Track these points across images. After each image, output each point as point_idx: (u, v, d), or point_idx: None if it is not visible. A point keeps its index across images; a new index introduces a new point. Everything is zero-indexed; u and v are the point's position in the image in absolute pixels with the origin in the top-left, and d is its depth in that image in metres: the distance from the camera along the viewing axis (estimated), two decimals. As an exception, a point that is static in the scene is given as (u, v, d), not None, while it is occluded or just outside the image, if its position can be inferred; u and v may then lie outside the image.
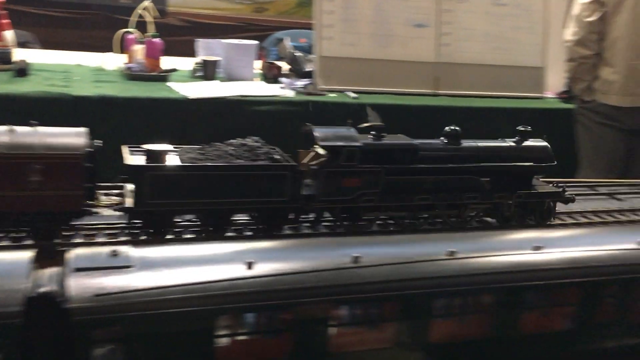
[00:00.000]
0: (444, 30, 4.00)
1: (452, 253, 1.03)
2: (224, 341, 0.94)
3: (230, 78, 3.91)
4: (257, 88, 3.75)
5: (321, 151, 1.53)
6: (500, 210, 1.62)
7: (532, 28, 4.24)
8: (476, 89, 4.08)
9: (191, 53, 4.34)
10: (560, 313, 1.03)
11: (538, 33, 4.28)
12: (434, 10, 3.98)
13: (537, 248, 1.05)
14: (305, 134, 1.59)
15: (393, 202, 1.52)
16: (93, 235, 1.50)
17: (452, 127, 1.72)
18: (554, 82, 4.38)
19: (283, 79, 3.98)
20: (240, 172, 1.40)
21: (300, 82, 3.89)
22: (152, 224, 1.42)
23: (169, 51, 3.98)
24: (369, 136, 1.55)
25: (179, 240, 1.46)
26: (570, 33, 3.96)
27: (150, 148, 1.35)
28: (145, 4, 4.06)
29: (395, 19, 3.93)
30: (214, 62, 3.97)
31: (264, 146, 1.52)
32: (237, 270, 0.97)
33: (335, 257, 1.02)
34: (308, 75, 3.97)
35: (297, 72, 4.11)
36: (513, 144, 1.72)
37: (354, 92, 3.77)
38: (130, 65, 3.78)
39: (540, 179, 1.80)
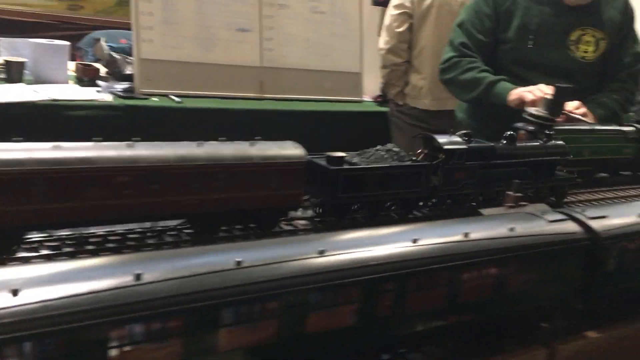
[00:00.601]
0: (266, 35, 4.04)
1: (239, 263, 1.05)
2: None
3: (39, 81, 3.57)
4: (71, 91, 3.48)
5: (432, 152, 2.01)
6: (538, 193, 2.19)
7: (349, 36, 4.44)
8: (299, 93, 4.18)
9: (-8, 54, 3.89)
10: (345, 311, 1.10)
11: (355, 40, 4.50)
12: (256, 16, 4.00)
13: (321, 252, 1.10)
14: (423, 138, 2.08)
15: (481, 189, 2.07)
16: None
17: (510, 133, 2.20)
18: (371, 87, 4.65)
19: (100, 82, 3.73)
20: (399, 171, 1.90)
21: (120, 86, 3.67)
22: (338, 213, 1.84)
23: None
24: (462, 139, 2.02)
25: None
26: (383, 42, 4.22)
27: (330, 154, 1.80)
28: None
29: (218, 22, 3.88)
30: (20, 64, 3.60)
31: (399, 151, 2.02)
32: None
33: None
34: (128, 78, 3.77)
35: (116, 74, 3.88)
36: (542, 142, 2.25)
37: (178, 96, 3.65)
38: None
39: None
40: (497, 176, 2.07)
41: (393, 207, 1.96)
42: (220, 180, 1.55)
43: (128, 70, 3.82)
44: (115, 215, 1.45)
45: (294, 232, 1.77)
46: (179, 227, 1.66)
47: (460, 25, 3.06)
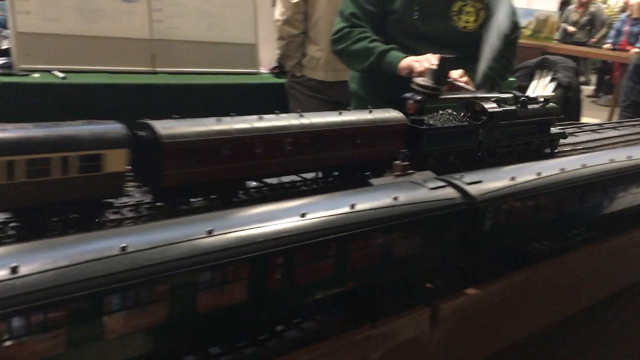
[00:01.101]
0: (155, 6, 3.88)
1: (123, 249, 1.04)
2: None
3: None
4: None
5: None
6: (539, 145, 2.66)
7: (241, 6, 4.37)
8: (194, 65, 4.08)
9: None
10: (236, 288, 1.13)
11: (248, 11, 4.44)
12: (143, -14, 3.84)
13: (210, 232, 1.11)
14: (466, 102, 2.48)
15: (507, 143, 2.47)
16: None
17: (524, 96, 2.61)
18: (267, 58, 4.62)
19: (-27, 58, 3.46)
20: (462, 129, 2.32)
21: (-4, 61, 3.42)
22: (421, 163, 2.08)
23: None
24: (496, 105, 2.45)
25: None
26: (278, 13, 4.19)
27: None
28: None
29: (102, -8, 3.69)
30: None
31: (455, 114, 2.41)
32: None
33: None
34: (5, 53, 3.51)
35: (-9, 49, 3.60)
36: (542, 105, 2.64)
37: (62, 71, 3.45)
38: None
39: None
40: (518, 133, 2.51)
41: (451, 158, 2.34)
42: (358, 139, 2.03)
43: (4, 45, 3.55)
44: (297, 167, 1.96)
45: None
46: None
47: None
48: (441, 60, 2.59)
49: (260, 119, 1.86)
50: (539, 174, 1.74)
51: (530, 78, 7.20)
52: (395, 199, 1.40)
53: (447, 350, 1.46)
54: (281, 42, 4.24)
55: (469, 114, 2.48)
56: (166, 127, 1.62)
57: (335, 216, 1.29)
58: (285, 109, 4.14)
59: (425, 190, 1.49)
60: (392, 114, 2.19)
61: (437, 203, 1.46)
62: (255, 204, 1.73)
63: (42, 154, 1.41)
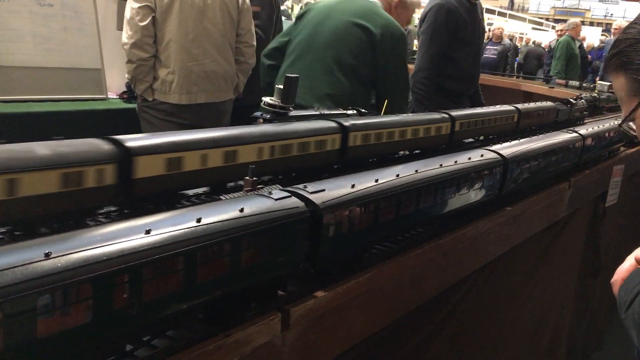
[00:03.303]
0: (-15, 30, 3.64)
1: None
2: None
3: None
4: None
5: None
6: None
7: (84, 30, 4.23)
8: (34, 93, 3.86)
9: None
10: (79, 309, 1.13)
11: (92, 35, 4.30)
12: (-29, 9, 3.58)
13: (47, 255, 1.10)
14: None
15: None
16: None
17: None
18: (116, 83, 4.50)
19: None
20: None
21: None
22: None
23: None
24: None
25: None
26: (126, 36, 4.09)
27: None
28: None
29: None
30: None
31: None
32: None
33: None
34: None
35: None
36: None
37: None
38: None
39: None
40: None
41: None
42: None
43: None
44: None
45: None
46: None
47: None
48: (287, 79, 2.72)
49: None
50: (376, 181, 1.90)
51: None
52: (241, 210, 1.46)
53: (300, 352, 1.53)
54: (130, 65, 4.15)
55: None
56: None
57: (181, 231, 1.32)
58: (139, 132, 4.04)
59: (270, 200, 1.56)
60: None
61: (281, 212, 1.53)
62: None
63: None
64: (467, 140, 3.45)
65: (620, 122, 1.61)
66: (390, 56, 3.94)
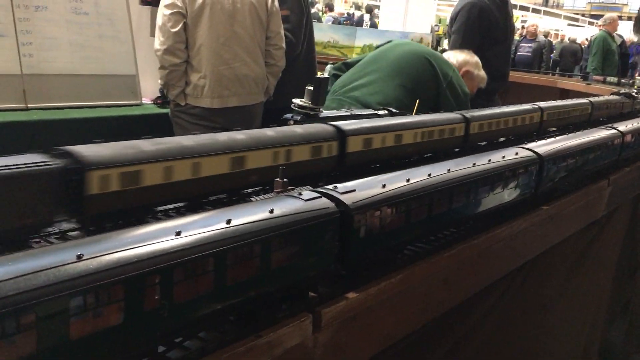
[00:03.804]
0: (23, 40, 3.73)
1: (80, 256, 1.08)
2: None
3: None
4: None
5: None
6: None
7: (118, 37, 4.31)
8: (70, 99, 3.95)
9: None
10: (111, 311, 1.13)
11: (126, 42, 4.38)
12: (9, 19, 3.68)
13: (80, 257, 1.11)
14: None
15: None
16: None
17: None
18: (150, 89, 4.57)
19: None
20: None
21: None
22: None
23: None
24: None
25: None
26: (158, 43, 4.16)
27: None
28: None
29: (-36, 28, 3.50)
30: None
31: None
32: None
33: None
34: None
35: None
36: None
37: None
38: None
39: None
40: None
41: None
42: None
43: None
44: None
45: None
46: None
47: None
48: (316, 80, 2.72)
49: None
50: (408, 180, 1.87)
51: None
52: (271, 212, 1.46)
53: (332, 353, 1.51)
54: (163, 71, 4.22)
55: None
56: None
57: (211, 232, 1.32)
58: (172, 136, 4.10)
59: (300, 202, 1.55)
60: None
61: (311, 213, 1.53)
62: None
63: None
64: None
65: None
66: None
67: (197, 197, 1.83)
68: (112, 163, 1.56)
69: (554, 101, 4.01)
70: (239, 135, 1.96)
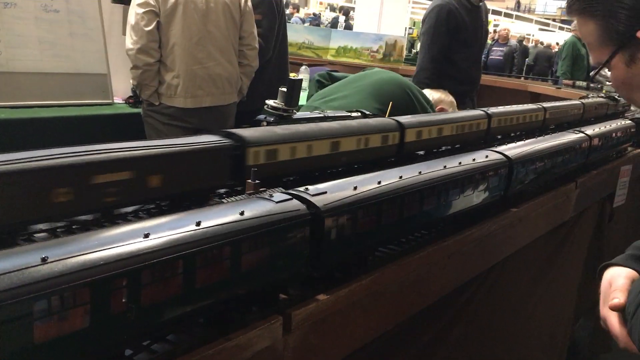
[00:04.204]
0: (-10, 36, 3.66)
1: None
2: None
3: None
4: None
5: None
6: None
7: (90, 35, 4.24)
8: (40, 98, 3.88)
9: None
10: (77, 314, 1.12)
11: (98, 40, 4.32)
12: (-24, 15, 3.60)
13: (44, 259, 1.10)
14: None
15: None
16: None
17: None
18: (122, 88, 4.52)
19: None
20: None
21: None
22: None
23: None
24: None
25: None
26: (131, 42, 4.11)
27: None
28: None
29: None
30: None
31: None
32: None
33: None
34: None
35: None
36: None
37: None
38: None
39: None
40: None
41: None
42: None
43: None
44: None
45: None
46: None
47: None
48: (290, 82, 2.72)
49: None
50: (379, 182, 1.88)
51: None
52: (241, 213, 1.45)
53: (302, 356, 1.51)
54: (136, 71, 4.17)
55: None
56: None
57: (180, 234, 1.31)
58: (142, 138, 4.05)
59: (270, 203, 1.55)
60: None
61: (282, 215, 1.52)
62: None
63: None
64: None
65: (593, 73, 1.55)
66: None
67: (310, 170, 2.24)
68: (261, 142, 2.00)
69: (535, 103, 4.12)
70: (335, 125, 2.39)
